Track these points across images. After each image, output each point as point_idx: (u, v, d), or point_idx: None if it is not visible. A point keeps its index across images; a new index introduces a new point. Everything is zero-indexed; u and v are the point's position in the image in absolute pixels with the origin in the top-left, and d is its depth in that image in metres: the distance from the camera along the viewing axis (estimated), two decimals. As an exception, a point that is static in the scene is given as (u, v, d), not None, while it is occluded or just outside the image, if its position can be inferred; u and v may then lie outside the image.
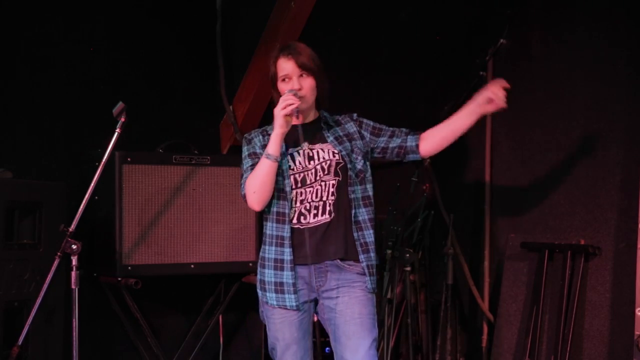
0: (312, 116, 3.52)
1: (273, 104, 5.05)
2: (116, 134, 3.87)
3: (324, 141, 3.47)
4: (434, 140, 3.56)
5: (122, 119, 3.86)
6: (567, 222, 4.88)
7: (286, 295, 3.40)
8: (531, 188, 5.14)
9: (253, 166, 3.46)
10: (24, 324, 3.82)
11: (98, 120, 4.36)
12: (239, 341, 5.15)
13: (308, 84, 3.41)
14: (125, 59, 4.79)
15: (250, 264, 4.70)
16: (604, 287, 4.67)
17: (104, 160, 3.89)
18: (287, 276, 3.39)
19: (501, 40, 5.29)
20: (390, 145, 3.54)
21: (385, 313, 5.08)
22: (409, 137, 3.55)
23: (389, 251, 5.13)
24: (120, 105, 3.86)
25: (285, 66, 3.42)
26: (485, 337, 5.33)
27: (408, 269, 5.12)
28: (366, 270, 3.40)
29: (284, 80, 3.44)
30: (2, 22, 4.37)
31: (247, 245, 4.70)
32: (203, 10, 5.04)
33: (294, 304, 3.39)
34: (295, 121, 3.35)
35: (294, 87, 3.39)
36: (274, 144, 3.35)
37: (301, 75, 3.40)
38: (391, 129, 3.57)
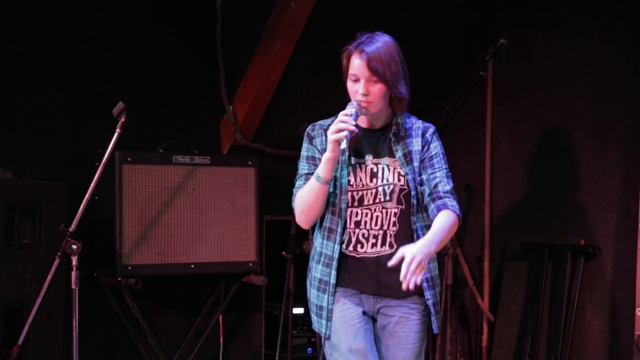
0: (382, 121, 3.12)
1: (273, 103, 5.11)
2: (116, 134, 3.87)
3: (392, 155, 3.09)
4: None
5: (122, 119, 3.86)
6: (567, 222, 4.88)
7: (322, 321, 3.10)
8: (531, 188, 5.14)
9: (308, 175, 3.11)
10: (24, 324, 3.82)
11: (98, 120, 4.36)
12: (239, 341, 5.14)
13: (377, 90, 3.00)
14: (125, 59, 4.79)
15: (251, 264, 4.70)
16: (604, 287, 4.68)
17: (104, 160, 3.88)
18: (327, 300, 3.09)
19: (501, 40, 5.29)
20: (422, 190, 3.12)
21: (385, 313, 5.08)
22: (434, 207, 3.07)
23: (389, 251, 5.12)
24: (120, 105, 3.86)
25: (355, 65, 3.01)
26: (485, 337, 5.33)
27: (408, 269, 5.11)
28: (432, 309, 3.09)
29: (352, 79, 3.04)
30: (2, 22, 4.37)
31: (247, 245, 4.70)
32: (203, 10, 5.03)
33: (328, 332, 3.09)
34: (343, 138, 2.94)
35: (359, 91, 3.01)
36: (325, 168, 2.99)
37: (371, 79, 3.00)
38: (437, 175, 3.09)
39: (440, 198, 3.06)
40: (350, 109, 2.99)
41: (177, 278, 4.76)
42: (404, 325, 3.12)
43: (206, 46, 5.04)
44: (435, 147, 3.12)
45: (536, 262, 4.94)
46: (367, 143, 3.08)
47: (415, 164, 3.09)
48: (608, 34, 4.77)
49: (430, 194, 3.07)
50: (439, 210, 3.05)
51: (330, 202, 3.10)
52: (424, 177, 3.09)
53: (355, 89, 3.03)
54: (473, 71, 5.43)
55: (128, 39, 4.79)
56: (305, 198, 3.07)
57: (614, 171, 4.68)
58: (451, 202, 3.05)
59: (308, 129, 3.21)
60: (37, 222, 4.02)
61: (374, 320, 3.17)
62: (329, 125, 3.04)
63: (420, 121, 3.17)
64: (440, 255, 5.31)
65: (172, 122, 4.95)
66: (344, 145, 2.92)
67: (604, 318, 4.65)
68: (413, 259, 2.80)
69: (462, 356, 5.41)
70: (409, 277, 2.80)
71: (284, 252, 4.80)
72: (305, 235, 4.91)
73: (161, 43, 4.92)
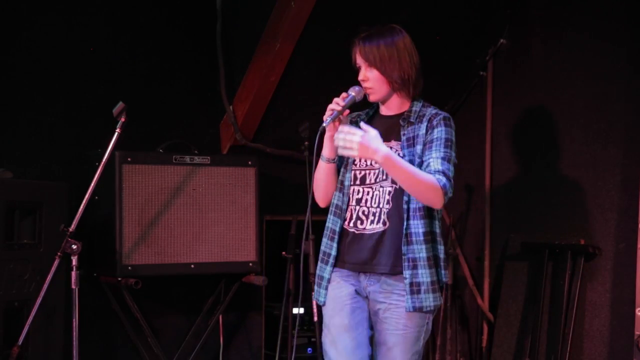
0: (396, 108, 3.30)
1: (273, 103, 5.11)
2: (116, 134, 3.87)
3: (398, 139, 3.24)
4: None
5: (122, 119, 3.86)
6: (567, 222, 4.88)
7: (320, 290, 3.31)
8: (531, 188, 5.15)
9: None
10: (24, 324, 3.82)
11: (98, 120, 4.36)
12: (239, 341, 5.15)
13: (373, 76, 3.22)
14: (125, 59, 4.79)
15: (250, 264, 4.70)
16: (604, 287, 4.68)
17: (104, 160, 3.88)
18: (327, 271, 3.29)
19: (501, 40, 5.29)
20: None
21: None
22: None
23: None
24: (120, 105, 3.86)
25: (356, 55, 3.27)
26: (485, 337, 5.33)
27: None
28: (408, 288, 3.17)
29: (358, 69, 3.28)
30: (2, 22, 4.37)
31: (247, 245, 4.70)
32: (203, 10, 5.03)
33: (322, 299, 3.29)
34: (329, 126, 3.18)
35: (359, 77, 3.25)
36: (325, 147, 3.24)
37: (367, 66, 3.23)
38: (432, 155, 3.18)
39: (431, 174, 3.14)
40: (349, 91, 3.21)
41: (177, 278, 4.76)
42: (393, 312, 3.21)
43: (206, 46, 5.05)
44: (440, 132, 3.21)
45: (536, 262, 4.94)
46: (378, 127, 3.15)
47: (418, 146, 3.21)
48: (608, 34, 4.77)
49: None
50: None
51: (339, 181, 3.31)
52: (424, 159, 3.20)
53: (359, 78, 3.26)
54: (473, 71, 5.43)
55: (128, 39, 4.79)
56: (316, 177, 3.32)
57: (614, 171, 4.68)
58: (439, 175, 3.12)
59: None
60: (37, 222, 4.02)
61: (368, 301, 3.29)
62: (359, 114, 3.36)
63: (436, 110, 3.30)
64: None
65: (172, 122, 4.95)
66: (326, 122, 3.15)
67: (604, 318, 4.65)
68: (354, 133, 3.01)
69: (462, 356, 5.41)
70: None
71: (284, 252, 4.80)
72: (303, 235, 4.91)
73: (161, 43, 4.92)
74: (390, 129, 3.26)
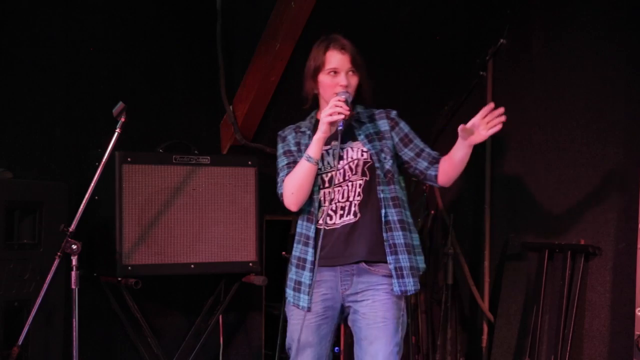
0: None
1: (273, 103, 5.10)
2: (116, 134, 3.87)
3: (355, 139, 3.41)
4: (445, 172, 3.43)
5: (122, 119, 3.86)
6: (567, 222, 4.88)
7: (301, 295, 3.38)
8: (531, 188, 5.14)
9: (289, 165, 3.46)
10: (24, 324, 3.82)
11: (98, 120, 4.36)
12: (239, 341, 5.15)
13: (355, 81, 3.37)
14: (125, 59, 4.79)
15: (251, 264, 4.70)
16: (604, 287, 4.67)
17: (104, 160, 3.88)
18: (306, 276, 3.37)
19: (501, 40, 5.29)
20: (414, 165, 3.45)
21: (385, 313, 5.07)
22: (432, 166, 3.44)
23: (389, 251, 5.12)
24: (120, 105, 3.85)
25: (336, 59, 3.37)
26: (485, 337, 5.33)
27: (408, 269, 5.11)
28: (393, 272, 3.31)
29: (331, 73, 3.38)
30: (2, 22, 4.37)
31: (247, 245, 4.70)
32: (203, 10, 5.03)
33: (306, 305, 3.37)
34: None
35: (341, 82, 3.34)
36: (315, 147, 3.32)
37: (349, 72, 3.36)
38: (421, 146, 3.46)
39: (433, 162, 3.42)
40: (342, 95, 3.30)
41: (177, 278, 4.76)
42: (371, 307, 3.33)
43: (206, 46, 5.04)
44: (405, 125, 3.48)
45: (536, 262, 4.94)
46: (334, 132, 3.34)
47: (380, 142, 3.40)
48: (608, 34, 4.77)
49: (430, 162, 3.43)
50: (436, 165, 3.43)
51: None
52: (410, 153, 3.43)
53: (335, 81, 3.36)
54: (473, 71, 5.43)
55: (128, 38, 4.79)
56: (296, 179, 3.38)
57: (614, 171, 4.68)
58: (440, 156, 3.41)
59: (278, 133, 3.61)
60: (37, 222, 4.02)
61: (343, 308, 3.39)
62: (299, 125, 3.54)
63: (379, 109, 3.52)
64: (441, 255, 5.32)
65: (172, 122, 4.95)
66: (342, 125, 3.26)
67: (604, 318, 4.65)
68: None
69: (462, 356, 5.41)
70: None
71: (284, 252, 4.79)
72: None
73: (161, 43, 4.92)
74: (346, 132, 3.38)
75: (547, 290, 4.85)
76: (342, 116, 3.24)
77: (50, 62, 4.53)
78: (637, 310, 4.23)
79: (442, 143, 5.66)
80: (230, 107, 5.04)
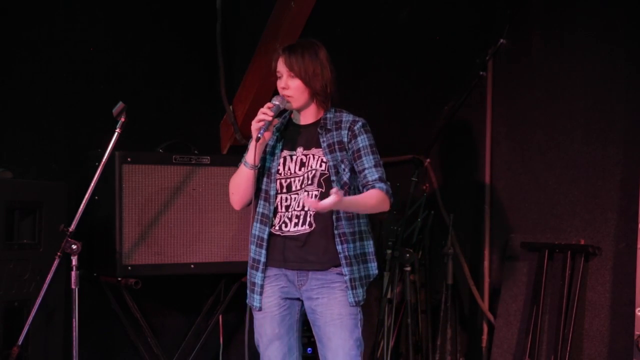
0: (312, 117, 3.48)
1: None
2: (116, 134, 3.87)
3: (318, 146, 3.44)
4: None
5: (122, 119, 3.86)
6: (567, 222, 4.88)
7: (254, 295, 3.46)
8: (531, 188, 5.14)
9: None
10: (24, 324, 3.82)
11: (98, 120, 4.36)
12: (239, 341, 5.14)
13: (294, 85, 3.41)
14: (125, 59, 4.79)
15: (250, 264, 4.70)
16: (604, 287, 4.68)
17: (104, 160, 3.88)
18: (258, 277, 3.46)
19: (501, 40, 5.29)
20: (357, 179, 3.45)
21: (385, 313, 5.08)
22: (363, 188, 3.40)
23: (388, 251, 5.13)
24: (120, 105, 3.86)
25: (279, 63, 3.46)
26: (485, 337, 5.33)
27: (408, 269, 5.12)
28: (349, 284, 3.38)
29: (278, 77, 3.48)
30: (2, 22, 4.37)
31: (247, 245, 4.67)
32: (203, 10, 5.03)
33: (258, 305, 3.45)
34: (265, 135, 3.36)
35: (279, 85, 3.44)
36: (250, 153, 3.39)
37: (289, 75, 3.42)
38: (365, 165, 3.39)
39: (371, 185, 3.37)
40: (274, 101, 3.39)
41: (177, 278, 4.76)
42: (327, 305, 3.39)
43: (206, 46, 5.05)
44: (363, 139, 3.42)
45: (536, 262, 4.94)
46: (299, 137, 3.46)
47: (340, 153, 3.40)
48: (608, 34, 4.77)
49: (363, 185, 3.40)
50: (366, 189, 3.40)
51: (263, 190, 3.46)
52: (355, 168, 3.42)
53: (279, 85, 3.45)
54: (473, 71, 5.43)
55: (128, 39, 4.79)
56: (235, 180, 3.47)
57: (614, 171, 4.68)
58: (379, 184, 3.36)
59: None
60: (37, 222, 4.02)
61: (302, 301, 3.47)
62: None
63: (351, 115, 3.48)
64: (441, 255, 5.32)
65: (172, 122, 4.95)
66: (261, 133, 3.32)
67: (604, 318, 4.65)
68: (320, 204, 3.14)
69: (462, 356, 5.41)
70: (309, 202, 3.19)
71: (283, 252, 4.80)
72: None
73: (161, 43, 4.92)
74: (310, 138, 3.45)
75: (547, 290, 4.85)
76: (262, 123, 3.32)
77: (50, 62, 4.53)
78: (637, 310, 4.23)
79: (442, 143, 5.67)
80: (230, 107, 5.04)
